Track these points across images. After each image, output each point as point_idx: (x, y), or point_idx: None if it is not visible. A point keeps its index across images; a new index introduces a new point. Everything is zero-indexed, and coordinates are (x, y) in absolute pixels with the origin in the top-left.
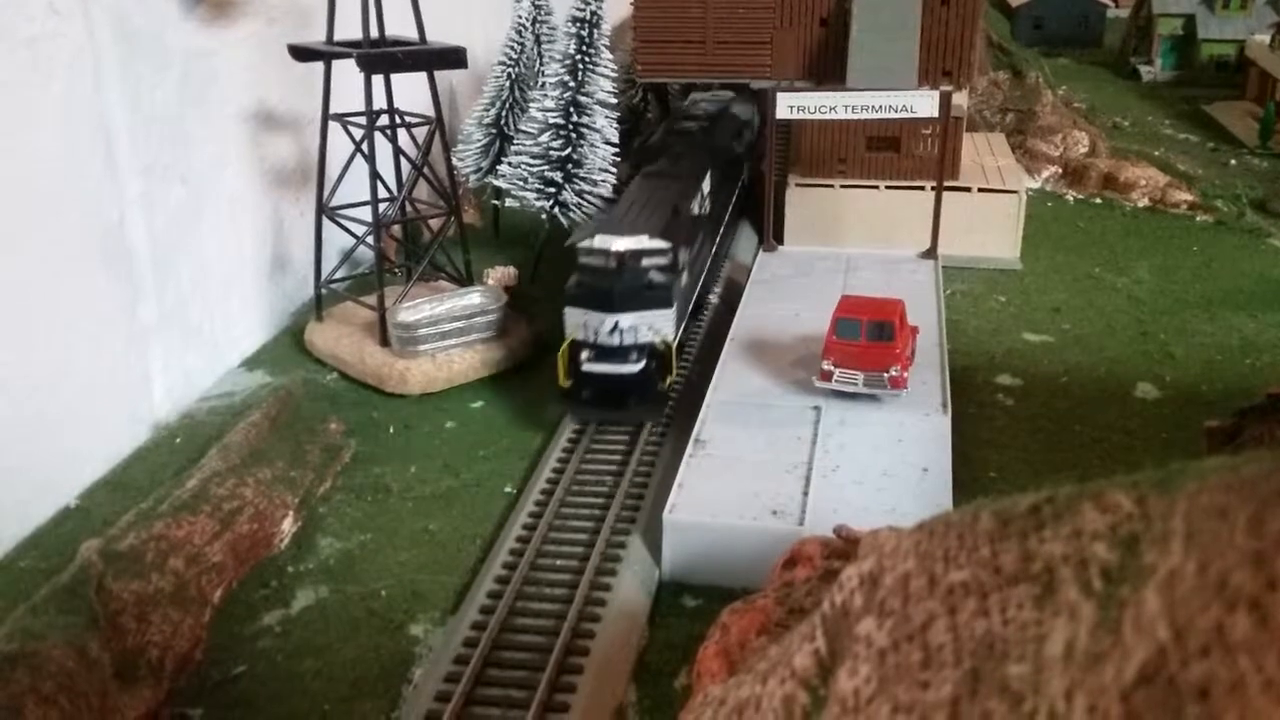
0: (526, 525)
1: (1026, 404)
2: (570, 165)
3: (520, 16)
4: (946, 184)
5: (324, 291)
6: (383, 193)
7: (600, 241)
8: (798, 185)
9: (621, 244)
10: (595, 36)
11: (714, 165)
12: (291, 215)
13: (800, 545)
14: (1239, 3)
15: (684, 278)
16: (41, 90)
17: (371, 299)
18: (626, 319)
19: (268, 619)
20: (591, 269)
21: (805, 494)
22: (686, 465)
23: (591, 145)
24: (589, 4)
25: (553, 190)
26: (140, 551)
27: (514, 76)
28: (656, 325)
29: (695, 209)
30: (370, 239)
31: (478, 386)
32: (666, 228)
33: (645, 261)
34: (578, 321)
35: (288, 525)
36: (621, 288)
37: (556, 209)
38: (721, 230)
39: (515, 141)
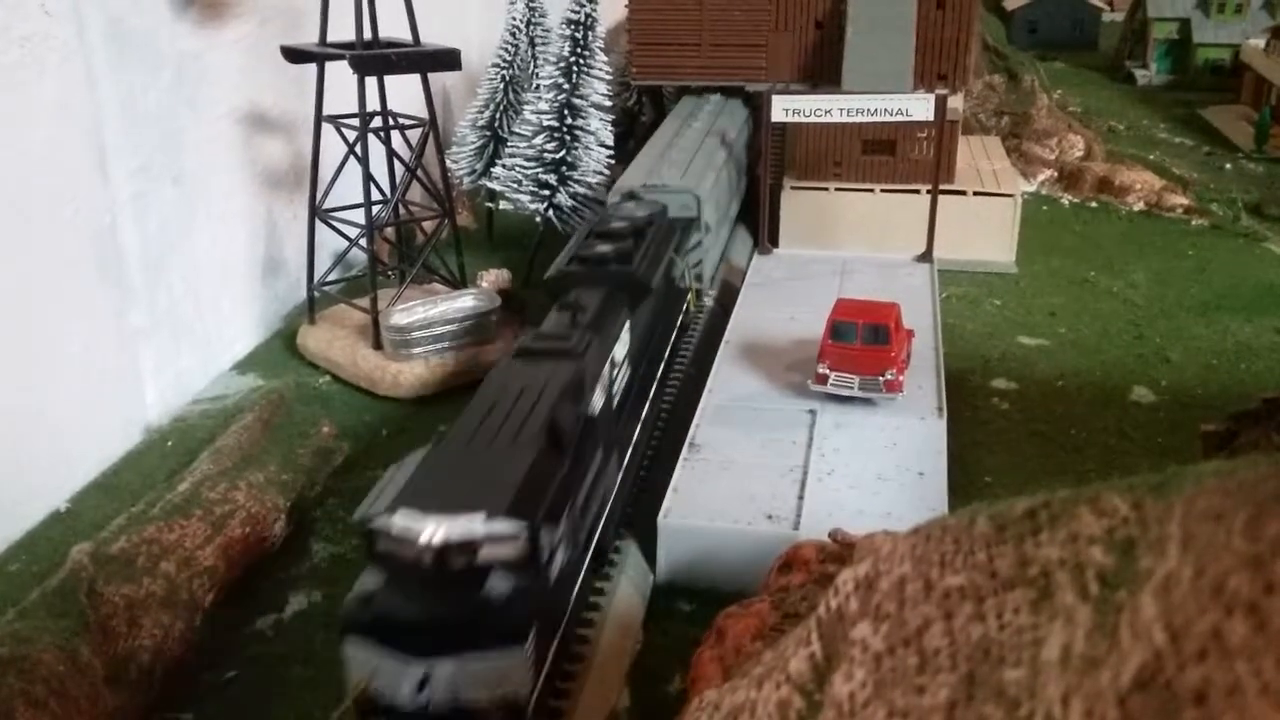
0: None
1: (1022, 408)
2: (564, 168)
3: (515, 18)
4: (942, 187)
5: (316, 294)
6: (376, 195)
7: (404, 523)
8: (793, 188)
9: (440, 529)
10: (590, 39)
11: (635, 313)
12: (284, 217)
13: (795, 549)
14: (1234, 7)
15: (556, 565)
16: (33, 91)
17: (364, 302)
18: (444, 669)
19: (259, 623)
20: (390, 566)
21: (800, 498)
22: (681, 469)
23: (586, 148)
24: (583, 6)
25: (547, 193)
26: (131, 555)
27: (508, 79)
28: (497, 676)
29: (598, 402)
30: (363, 241)
31: (471, 390)
32: (525, 488)
33: (483, 555)
34: (364, 664)
35: (280, 529)
36: (436, 611)
37: (550, 211)
38: (646, 408)
39: (509, 144)
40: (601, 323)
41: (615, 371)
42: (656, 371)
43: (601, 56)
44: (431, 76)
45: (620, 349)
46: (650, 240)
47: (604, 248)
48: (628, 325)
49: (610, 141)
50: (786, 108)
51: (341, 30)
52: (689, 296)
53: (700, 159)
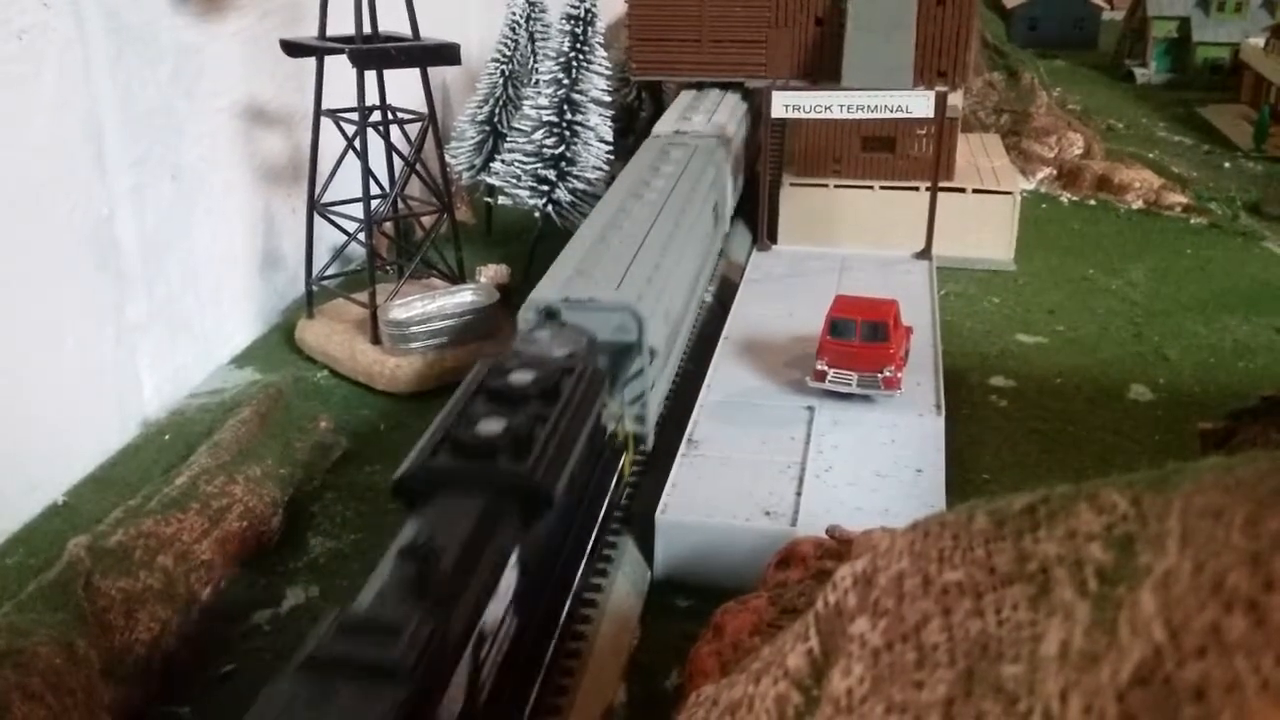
0: None
1: (1020, 405)
2: (564, 163)
3: (514, 13)
4: (941, 185)
5: (315, 288)
6: (375, 189)
7: None
8: (792, 185)
9: None
10: (589, 34)
11: (529, 533)
12: (283, 211)
13: (793, 545)
14: (1234, 6)
15: None
16: (31, 84)
17: (363, 296)
18: None
19: (256, 617)
20: None
21: (798, 494)
22: (679, 465)
23: (585, 143)
24: (583, 1)
25: (546, 188)
26: (129, 549)
27: (507, 73)
28: None
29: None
30: (362, 236)
31: None
32: None
33: None
34: None
35: (277, 523)
36: None
37: (549, 207)
38: (540, 678)
39: (509, 139)
40: (468, 578)
41: (486, 649)
42: (562, 609)
43: (601, 52)
44: (431, 71)
45: (499, 605)
46: (565, 405)
47: (491, 426)
48: (515, 557)
49: (609, 137)
50: (787, 104)
51: (341, 24)
52: (624, 458)
53: (651, 247)
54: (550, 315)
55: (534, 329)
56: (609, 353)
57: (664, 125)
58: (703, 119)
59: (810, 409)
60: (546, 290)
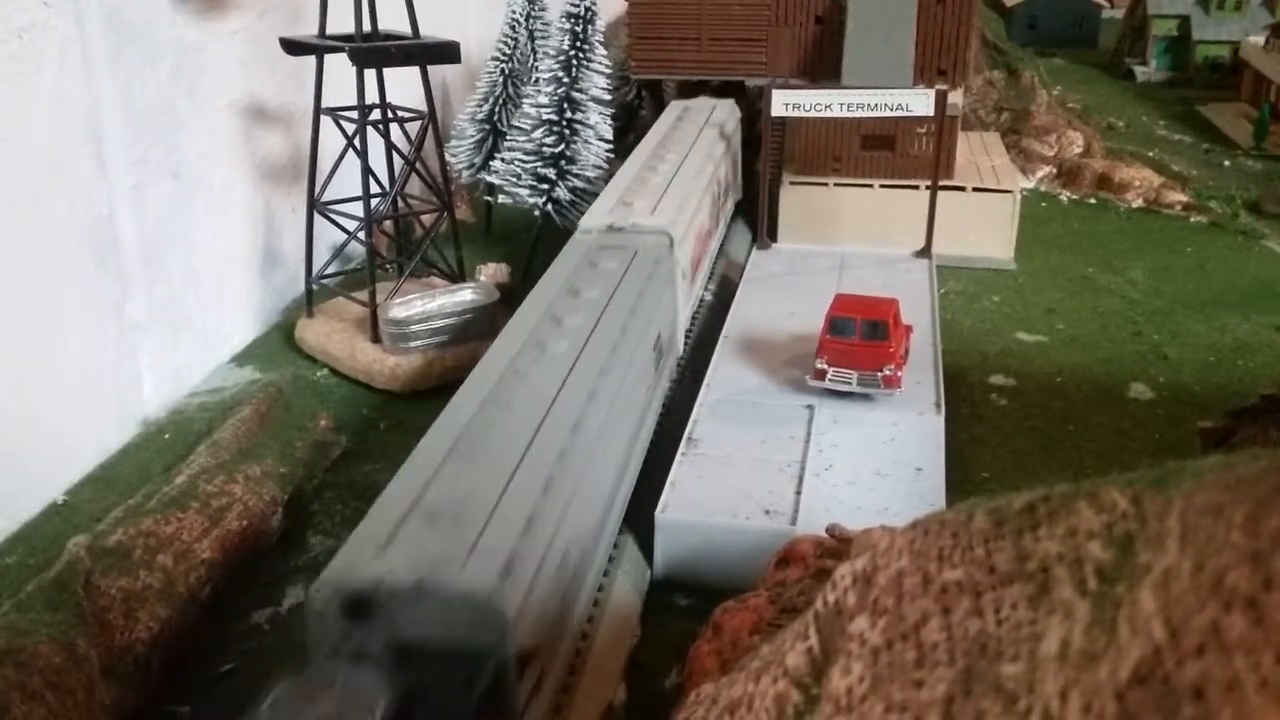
0: None
1: (1020, 404)
2: (564, 161)
3: (514, 11)
4: (941, 183)
5: (315, 287)
6: (375, 188)
7: None
8: (792, 183)
9: None
10: (589, 32)
11: None
12: (283, 210)
13: (793, 544)
14: (1234, 4)
15: None
16: (32, 82)
17: (363, 295)
18: None
19: (256, 616)
20: None
21: (798, 493)
22: (679, 464)
23: (585, 142)
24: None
25: (546, 187)
26: (128, 548)
27: (507, 72)
28: None
29: None
30: (362, 234)
31: None
32: None
33: None
34: None
35: (277, 522)
36: None
37: (549, 205)
38: None
39: (508, 137)
40: None
41: None
42: None
43: (601, 50)
44: (431, 69)
45: None
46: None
47: None
48: None
49: (609, 136)
50: (787, 102)
51: (341, 22)
52: None
53: (544, 448)
54: (356, 610)
55: (319, 667)
56: (450, 664)
57: (594, 216)
58: (646, 205)
59: (810, 408)
60: (351, 560)
